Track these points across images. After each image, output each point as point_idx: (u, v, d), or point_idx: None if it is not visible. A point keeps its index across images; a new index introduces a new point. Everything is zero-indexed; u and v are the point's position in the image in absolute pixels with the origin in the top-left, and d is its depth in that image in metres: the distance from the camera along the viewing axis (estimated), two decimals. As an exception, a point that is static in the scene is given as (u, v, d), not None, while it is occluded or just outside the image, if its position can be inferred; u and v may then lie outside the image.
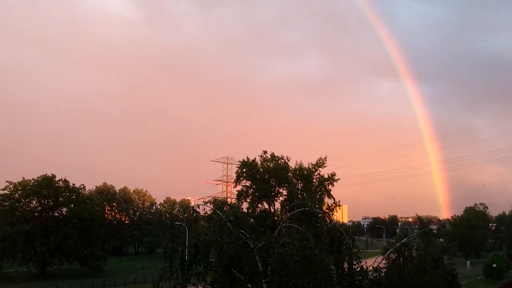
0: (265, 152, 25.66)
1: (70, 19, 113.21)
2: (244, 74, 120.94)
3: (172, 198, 60.88)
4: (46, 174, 34.70)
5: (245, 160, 25.72)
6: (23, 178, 34.26)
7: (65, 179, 35.42)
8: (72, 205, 34.70)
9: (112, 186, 54.86)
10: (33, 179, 34.20)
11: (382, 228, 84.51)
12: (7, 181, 33.58)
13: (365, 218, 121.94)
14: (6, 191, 33.35)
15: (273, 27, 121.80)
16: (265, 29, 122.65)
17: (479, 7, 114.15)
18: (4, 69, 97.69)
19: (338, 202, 24.50)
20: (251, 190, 25.14)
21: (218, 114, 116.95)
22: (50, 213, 34.79)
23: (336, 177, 25.37)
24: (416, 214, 50.07)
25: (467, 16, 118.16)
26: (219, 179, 61.88)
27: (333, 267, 7.95)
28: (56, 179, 34.88)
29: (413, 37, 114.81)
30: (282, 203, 24.32)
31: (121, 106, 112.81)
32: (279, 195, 25.01)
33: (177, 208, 58.96)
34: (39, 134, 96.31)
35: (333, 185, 25.35)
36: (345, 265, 8.20)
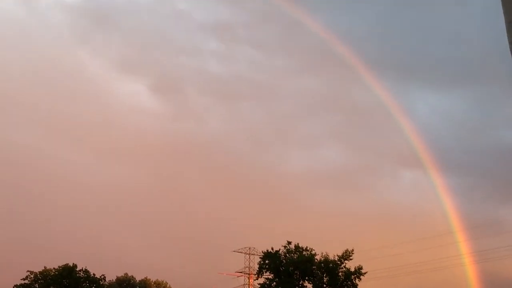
0: (289, 243, 25.17)
1: (100, 114, 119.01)
2: (266, 164, 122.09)
3: (192, 291, 59.14)
4: (68, 264, 34.53)
5: (268, 251, 25.21)
6: (44, 267, 34.16)
7: (86, 269, 35.03)
8: (91, 297, 34.04)
9: (133, 276, 53.98)
10: (54, 268, 34.02)
11: (414, 326, 79.35)
12: (28, 271, 33.46)
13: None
14: (26, 281, 33.11)
15: (293, 119, 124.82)
16: (286, 121, 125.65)
17: (498, 99, 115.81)
18: (36, 163, 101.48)
19: (366, 298, 23.44)
20: (274, 283, 24.36)
21: (240, 204, 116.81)
22: (69, 305, 34.07)
23: (363, 270, 24.51)
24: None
25: (487, 108, 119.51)
26: (240, 271, 60.18)
27: None
28: (78, 269, 34.58)
29: (433, 129, 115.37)
30: (307, 298, 23.40)
31: (145, 199, 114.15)
32: (303, 289, 24.13)
33: (197, 301, 57.12)
34: (65, 224, 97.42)
35: (360, 279, 24.43)
36: None
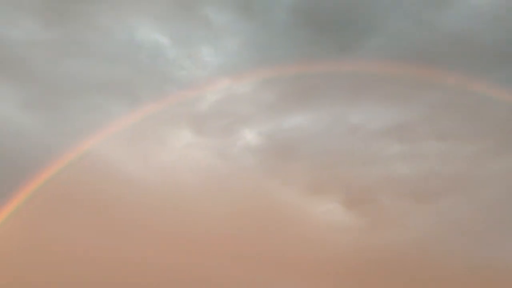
0: None
1: (298, 236, 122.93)
2: (486, 260, 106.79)
3: None
4: None
5: None
6: None
7: None
8: None
9: None
10: None
11: None
12: None
13: None
14: None
15: (505, 204, 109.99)
16: (497, 208, 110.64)
17: None
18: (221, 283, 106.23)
19: None
20: None
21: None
22: None
23: None
24: None
25: None
26: None
27: None
28: None
29: None
30: None
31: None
32: None
33: None
34: None
35: None
36: None
